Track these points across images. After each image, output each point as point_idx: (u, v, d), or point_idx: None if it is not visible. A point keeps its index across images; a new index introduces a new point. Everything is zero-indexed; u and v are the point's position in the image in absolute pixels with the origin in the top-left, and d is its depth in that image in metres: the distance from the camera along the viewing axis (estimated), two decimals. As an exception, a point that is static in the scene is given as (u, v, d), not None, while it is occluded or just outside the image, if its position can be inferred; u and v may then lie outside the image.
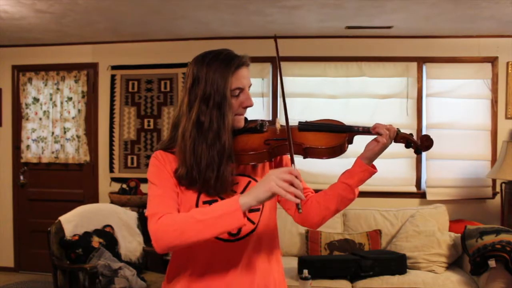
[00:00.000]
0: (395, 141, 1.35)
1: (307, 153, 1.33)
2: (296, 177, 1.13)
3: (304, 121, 1.40)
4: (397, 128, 1.36)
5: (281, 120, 1.34)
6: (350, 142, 1.38)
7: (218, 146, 1.26)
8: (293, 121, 1.40)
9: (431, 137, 1.37)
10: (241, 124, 1.34)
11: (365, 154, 1.35)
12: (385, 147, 1.32)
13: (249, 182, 1.36)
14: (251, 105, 1.32)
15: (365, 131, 1.34)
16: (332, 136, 1.34)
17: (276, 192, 1.12)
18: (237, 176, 1.33)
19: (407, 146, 1.38)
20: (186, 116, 1.28)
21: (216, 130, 1.26)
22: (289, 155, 1.28)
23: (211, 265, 1.30)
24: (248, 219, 1.30)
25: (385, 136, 1.30)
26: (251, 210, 1.30)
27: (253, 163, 1.35)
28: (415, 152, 1.38)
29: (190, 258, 1.32)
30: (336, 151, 1.32)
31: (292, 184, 1.12)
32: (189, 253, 1.31)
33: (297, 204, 1.13)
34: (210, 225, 1.15)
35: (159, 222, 1.21)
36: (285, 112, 1.31)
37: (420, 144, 1.36)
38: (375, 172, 1.37)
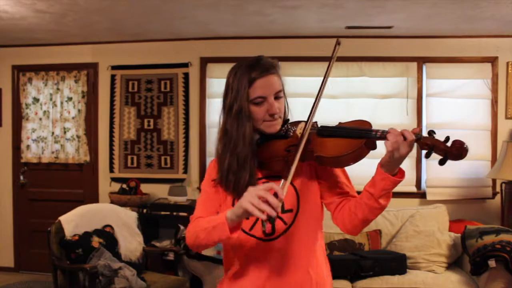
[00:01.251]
0: (421, 148, 1.18)
1: (320, 161, 1.29)
2: (276, 193, 1.13)
3: (326, 125, 1.35)
4: (428, 132, 1.17)
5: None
6: (373, 147, 1.27)
7: (236, 153, 1.34)
8: (323, 123, 1.40)
9: (465, 145, 1.10)
10: (274, 129, 1.38)
11: (381, 161, 1.24)
12: (393, 156, 1.18)
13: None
14: (275, 113, 1.35)
15: (383, 136, 1.20)
16: (349, 142, 1.24)
17: (245, 208, 1.14)
18: (271, 178, 1.37)
19: (427, 156, 1.17)
20: (220, 123, 1.41)
21: (235, 138, 1.34)
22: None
23: (251, 261, 1.38)
24: (280, 218, 1.36)
25: (391, 144, 1.17)
26: (284, 211, 1.36)
27: (274, 169, 1.36)
28: (439, 162, 1.15)
29: (234, 254, 1.42)
30: (353, 158, 1.24)
31: (266, 201, 1.12)
32: (233, 250, 1.41)
33: (262, 221, 1.13)
34: (208, 234, 1.27)
35: (191, 224, 1.39)
36: (307, 121, 1.32)
37: (449, 150, 1.12)
38: (399, 181, 1.23)
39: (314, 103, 1.35)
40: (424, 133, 1.18)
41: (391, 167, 1.22)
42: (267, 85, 1.34)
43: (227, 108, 1.36)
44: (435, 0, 3.23)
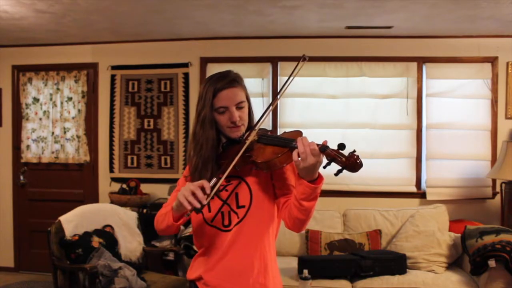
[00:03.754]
0: (326, 159, 1.31)
1: (255, 165, 1.49)
2: (204, 188, 1.35)
3: (265, 134, 1.53)
4: (338, 145, 1.28)
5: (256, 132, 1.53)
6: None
7: (201, 154, 1.55)
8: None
9: (359, 161, 1.25)
10: (235, 135, 1.56)
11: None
12: (299, 164, 1.31)
13: (240, 182, 1.59)
14: (235, 120, 1.53)
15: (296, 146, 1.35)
16: (278, 149, 1.42)
17: (178, 199, 1.40)
18: (232, 177, 1.58)
19: (324, 166, 1.31)
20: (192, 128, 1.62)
21: (201, 142, 1.55)
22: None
23: (211, 245, 1.60)
24: (234, 212, 1.57)
25: (298, 154, 1.32)
26: (238, 207, 1.57)
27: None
28: (335, 173, 1.26)
29: (200, 240, 1.65)
30: (279, 162, 1.41)
31: (193, 194, 1.35)
32: (199, 237, 1.65)
33: (190, 210, 1.36)
34: (163, 219, 1.57)
35: (159, 211, 1.65)
36: (251, 131, 1.52)
37: (345, 164, 1.25)
38: (314, 187, 1.35)
39: (261, 117, 1.55)
40: (334, 146, 1.30)
41: (305, 173, 1.34)
42: (229, 96, 1.53)
43: (197, 115, 1.57)
44: (435, 0, 3.23)
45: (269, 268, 1.60)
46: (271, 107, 1.61)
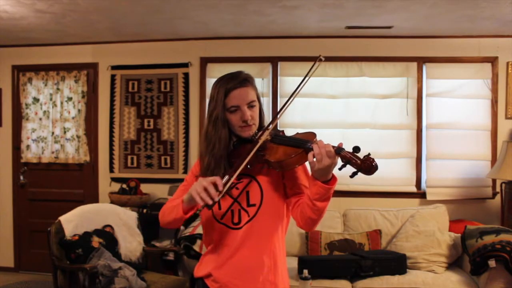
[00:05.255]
0: (341, 161, 1.34)
1: (268, 164, 1.50)
2: (216, 185, 1.38)
3: (279, 135, 1.55)
4: (353, 148, 1.31)
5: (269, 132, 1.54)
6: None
7: (213, 154, 1.56)
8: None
9: (374, 163, 1.27)
10: (247, 134, 1.58)
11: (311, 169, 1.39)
12: (315, 166, 1.34)
13: (250, 180, 1.60)
14: (247, 119, 1.55)
15: (312, 148, 1.37)
16: (292, 150, 1.43)
17: (191, 194, 1.42)
18: (243, 175, 1.58)
19: (340, 168, 1.32)
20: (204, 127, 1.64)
21: (213, 141, 1.57)
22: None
23: (221, 242, 1.62)
24: (245, 211, 1.59)
25: (315, 155, 1.34)
26: (249, 205, 1.58)
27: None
28: (350, 175, 1.30)
29: (209, 237, 1.68)
30: (292, 162, 1.42)
31: (206, 190, 1.37)
32: (208, 234, 1.68)
33: (202, 206, 1.40)
34: (170, 211, 1.57)
35: (165, 204, 1.67)
36: (264, 130, 1.54)
37: (360, 166, 1.27)
38: (328, 187, 1.37)
39: (275, 116, 1.58)
40: (349, 149, 1.33)
41: (319, 174, 1.37)
42: (241, 96, 1.55)
43: (209, 115, 1.60)
44: (435, 0, 3.23)
45: (279, 266, 1.62)
46: (285, 106, 1.59)
